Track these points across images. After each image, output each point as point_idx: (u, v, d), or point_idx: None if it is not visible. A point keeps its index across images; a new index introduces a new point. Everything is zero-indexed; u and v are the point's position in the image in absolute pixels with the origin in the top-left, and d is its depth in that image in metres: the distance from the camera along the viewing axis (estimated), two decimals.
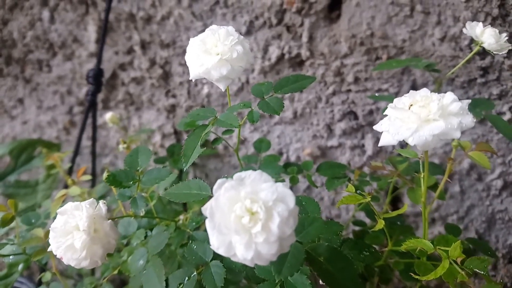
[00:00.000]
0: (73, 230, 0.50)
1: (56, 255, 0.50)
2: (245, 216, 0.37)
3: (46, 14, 1.10)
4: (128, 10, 1.01)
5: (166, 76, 1.07)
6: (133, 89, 1.12)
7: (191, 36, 0.56)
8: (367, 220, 0.74)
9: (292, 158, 1.03)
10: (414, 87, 0.89)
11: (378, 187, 0.74)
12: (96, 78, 0.94)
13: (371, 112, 0.94)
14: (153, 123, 1.14)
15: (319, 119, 0.98)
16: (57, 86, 1.20)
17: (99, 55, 0.93)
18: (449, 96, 0.46)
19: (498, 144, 0.88)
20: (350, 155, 0.99)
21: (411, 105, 0.47)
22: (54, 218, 0.52)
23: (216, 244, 0.38)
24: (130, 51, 1.07)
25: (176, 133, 1.15)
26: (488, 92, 0.84)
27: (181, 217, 0.69)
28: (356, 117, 0.96)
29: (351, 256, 0.54)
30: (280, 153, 1.03)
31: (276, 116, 1.00)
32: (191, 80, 0.55)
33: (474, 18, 0.78)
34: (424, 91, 0.48)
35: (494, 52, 0.62)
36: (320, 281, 0.45)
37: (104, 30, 0.91)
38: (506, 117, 0.85)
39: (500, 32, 0.62)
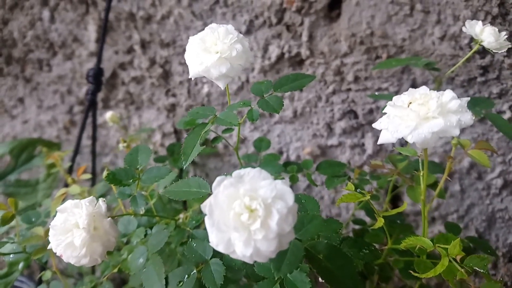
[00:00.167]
0: (73, 228, 0.50)
1: (56, 253, 0.50)
2: (244, 213, 0.37)
3: (46, 13, 1.10)
4: (128, 9, 1.01)
5: (166, 76, 1.07)
6: (133, 88, 1.12)
7: (191, 36, 0.56)
8: (367, 219, 0.74)
9: (292, 157, 1.03)
10: (414, 86, 0.89)
11: (378, 185, 0.74)
12: (96, 77, 0.94)
13: (371, 111, 0.94)
14: (153, 122, 1.14)
15: (319, 118, 0.98)
16: (57, 85, 1.21)
17: (99, 54, 0.93)
18: (448, 94, 0.46)
19: (498, 143, 0.88)
20: (350, 154, 0.99)
21: (410, 103, 0.46)
22: (54, 216, 0.52)
23: (215, 241, 0.38)
24: (130, 50, 1.07)
25: (176, 132, 1.15)
26: (488, 91, 0.84)
27: (181, 215, 0.69)
28: (356, 116, 0.96)
29: (350, 254, 0.54)
30: (280, 152, 1.03)
31: (276, 115, 1.00)
32: (191, 79, 0.55)
33: (474, 17, 0.78)
34: (423, 89, 0.48)
35: (494, 51, 0.62)
36: (320, 279, 0.45)
37: (104, 29, 0.91)
38: (506, 116, 0.85)
39: (499, 31, 0.62)
